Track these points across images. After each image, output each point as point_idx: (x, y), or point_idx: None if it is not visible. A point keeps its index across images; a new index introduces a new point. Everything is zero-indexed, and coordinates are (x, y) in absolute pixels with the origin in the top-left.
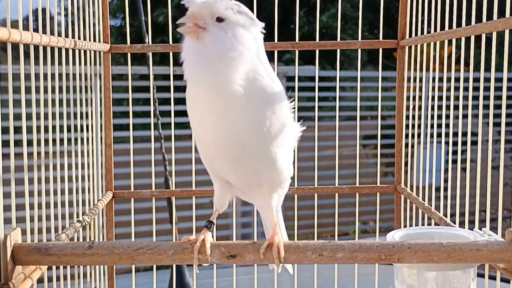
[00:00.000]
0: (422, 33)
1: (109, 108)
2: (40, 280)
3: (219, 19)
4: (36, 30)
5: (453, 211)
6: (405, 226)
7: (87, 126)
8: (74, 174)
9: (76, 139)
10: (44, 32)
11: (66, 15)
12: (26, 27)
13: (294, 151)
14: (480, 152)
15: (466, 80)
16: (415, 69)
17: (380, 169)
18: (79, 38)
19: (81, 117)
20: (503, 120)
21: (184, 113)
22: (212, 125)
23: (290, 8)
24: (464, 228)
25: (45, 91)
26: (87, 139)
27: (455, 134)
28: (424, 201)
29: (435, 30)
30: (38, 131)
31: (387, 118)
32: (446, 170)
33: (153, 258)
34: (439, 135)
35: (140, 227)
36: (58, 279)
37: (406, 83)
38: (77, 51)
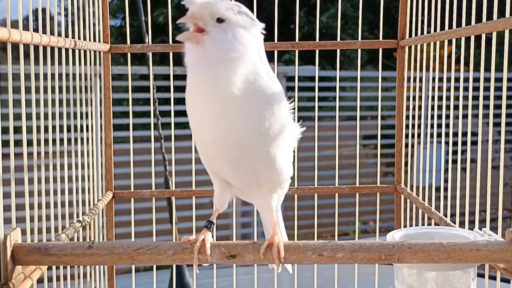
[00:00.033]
0: (422, 33)
1: (109, 108)
2: (40, 280)
3: (220, 20)
4: (36, 30)
5: (453, 211)
6: (405, 226)
7: (87, 126)
8: (74, 174)
9: (76, 139)
10: (44, 32)
11: (66, 15)
12: (26, 27)
13: (294, 151)
14: (480, 152)
15: (466, 80)
16: (415, 69)
17: (380, 169)
18: (79, 38)
19: (81, 117)
20: (503, 120)
21: (184, 113)
22: (212, 125)
23: (290, 8)
24: (464, 228)
25: (45, 91)
26: (87, 139)
27: (455, 134)
28: (424, 201)
29: (435, 30)
30: (38, 131)
31: (387, 118)
32: (446, 170)
33: (153, 258)
34: (439, 135)
35: (140, 227)
36: (58, 279)
37: (406, 83)
38: (77, 51)
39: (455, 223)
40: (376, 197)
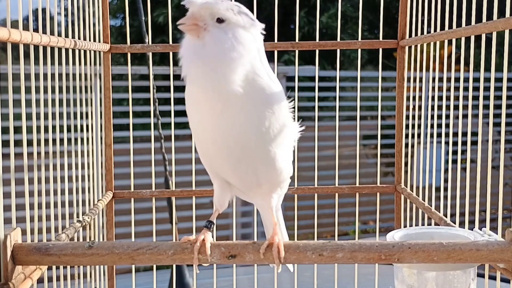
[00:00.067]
0: (422, 33)
1: (109, 108)
2: (40, 280)
3: (220, 20)
4: (36, 30)
5: (453, 211)
6: (405, 226)
7: (87, 126)
8: (74, 174)
9: (76, 139)
10: (44, 32)
11: (66, 15)
12: (26, 27)
13: (294, 151)
14: (480, 152)
15: (466, 80)
16: (415, 69)
17: (380, 169)
18: (79, 38)
19: (81, 117)
20: (503, 120)
21: (184, 113)
22: (211, 125)
23: (290, 8)
24: (464, 228)
25: (45, 91)
26: (87, 139)
27: (455, 134)
28: (424, 201)
29: (435, 30)
30: (38, 131)
31: (387, 118)
32: (446, 170)
33: (153, 258)
34: (439, 135)
35: (140, 227)
36: (58, 279)
37: (406, 83)
38: (77, 51)
39: (455, 223)
40: (376, 197)
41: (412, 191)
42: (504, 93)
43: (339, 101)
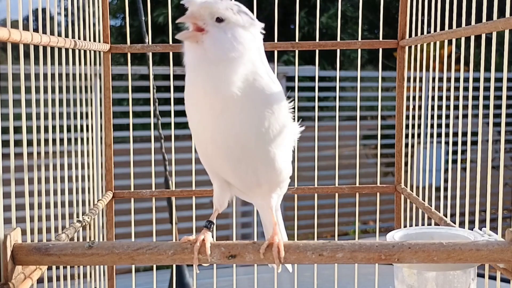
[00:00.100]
0: (422, 33)
1: (109, 108)
2: (40, 280)
3: (219, 20)
4: (36, 30)
5: (453, 211)
6: (405, 226)
7: (87, 126)
8: (74, 174)
9: (76, 139)
10: (44, 32)
11: (66, 15)
12: (26, 27)
13: (293, 151)
14: (480, 152)
15: (466, 80)
16: (415, 69)
17: (380, 169)
18: (79, 38)
19: (81, 117)
20: (503, 120)
21: (184, 113)
22: (211, 125)
23: (290, 8)
24: (464, 228)
25: (45, 91)
26: (87, 139)
27: (455, 134)
28: (424, 201)
29: (435, 30)
30: (38, 131)
31: (387, 118)
32: (446, 170)
33: (153, 258)
34: (439, 135)
35: (140, 227)
36: (58, 279)
37: (406, 83)
38: (77, 51)
39: (455, 223)
40: (376, 197)
41: (412, 191)
42: (504, 93)
43: (339, 101)
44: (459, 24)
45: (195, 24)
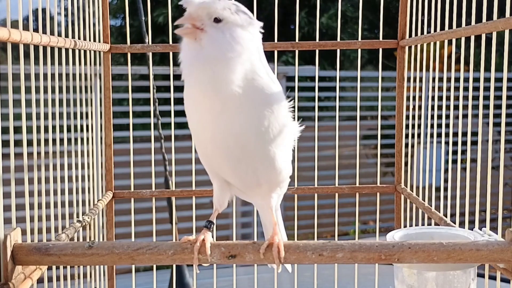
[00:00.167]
0: (422, 33)
1: (109, 108)
2: (40, 280)
3: (217, 20)
4: (36, 30)
5: (453, 211)
6: (405, 226)
7: (87, 126)
8: (74, 174)
9: (76, 139)
10: (44, 32)
11: (66, 15)
12: (26, 27)
13: (293, 151)
14: (480, 152)
15: (466, 80)
16: (415, 69)
17: (380, 169)
18: (79, 38)
19: (81, 117)
20: (503, 120)
21: (184, 113)
22: (211, 125)
23: (290, 8)
24: (464, 228)
25: (45, 91)
26: (87, 139)
27: (455, 134)
28: (424, 201)
29: (435, 30)
30: (38, 131)
31: (387, 118)
32: (446, 170)
33: (153, 258)
34: (439, 135)
35: (140, 227)
36: (58, 279)
37: (406, 83)
38: (77, 51)
39: (455, 223)
40: (376, 197)
41: (412, 191)
42: (504, 93)
43: (339, 101)
44: (459, 24)
45: (193, 25)
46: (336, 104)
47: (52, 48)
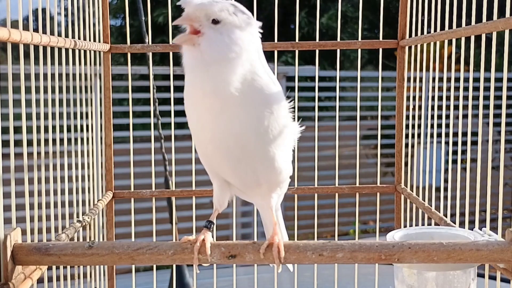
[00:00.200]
0: (422, 33)
1: (109, 108)
2: (40, 280)
3: (215, 21)
4: (36, 30)
5: (453, 211)
6: (405, 226)
7: (87, 126)
8: (74, 174)
9: (76, 139)
10: (44, 32)
11: (66, 15)
12: (26, 27)
13: (293, 151)
14: (480, 152)
15: (466, 80)
16: (415, 69)
17: (380, 169)
18: (79, 38)
19: (81, 117)
20: (503, 120)
21: (184, 113)
22: (211, 125)
23: (290, 8)
24: (464, 228)
25: (45, 91)
26: (87, 139)
27: (455, 134)
28: (424, 201)
29: (435, 30)
30: (38, 131)
31: (387, 118)
32: (446, 170)
33: (153, 258)
34: (439, 135)
35: (140, 227)
36: (58, 279)
37: (406, 83)
38: (77, 51)
39: (455, 223)
40: (376, 197)
41: (412, 191)
42: (504, 93)
43: (339, 101)
44: (459, 24)
45: (191, 26)
46: (336, 104)
47: (52, 48)
